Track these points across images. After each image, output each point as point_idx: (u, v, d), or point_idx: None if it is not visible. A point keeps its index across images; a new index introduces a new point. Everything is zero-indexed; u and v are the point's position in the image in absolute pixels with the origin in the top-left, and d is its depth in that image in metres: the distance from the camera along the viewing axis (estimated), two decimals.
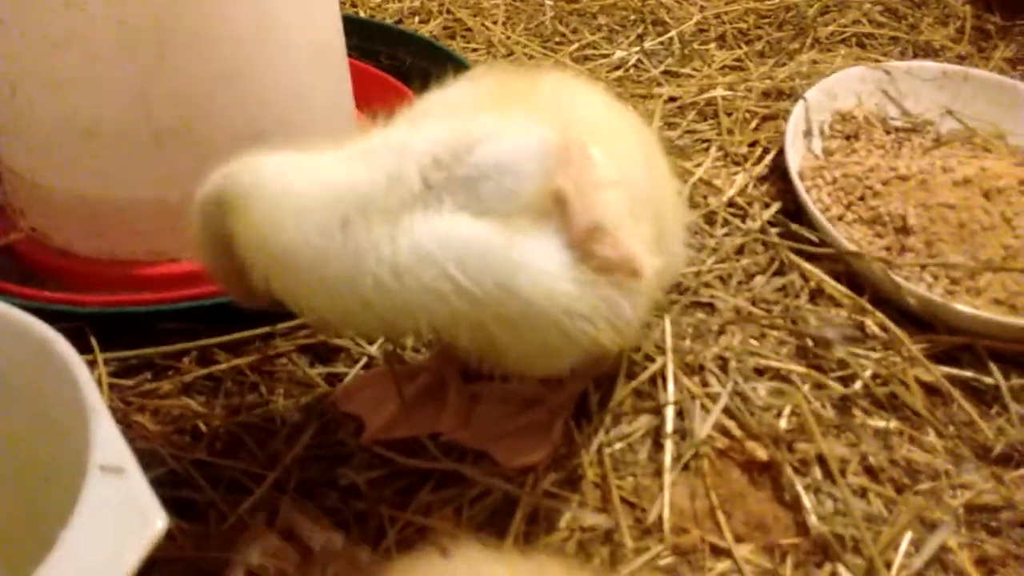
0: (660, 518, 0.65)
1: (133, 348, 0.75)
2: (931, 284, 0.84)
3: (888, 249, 0.87)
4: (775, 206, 0.93)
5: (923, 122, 1.06)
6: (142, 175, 0.78)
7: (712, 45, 1.23)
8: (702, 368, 0.76)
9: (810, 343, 0.79)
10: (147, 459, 0.65)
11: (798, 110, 1.00)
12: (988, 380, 0.77)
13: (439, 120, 0.57)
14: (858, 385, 0.75)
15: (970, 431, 0.73)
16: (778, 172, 0.98)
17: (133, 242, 0.82)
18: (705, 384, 0.75)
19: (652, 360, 0.76)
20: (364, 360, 0.76)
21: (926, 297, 0.80)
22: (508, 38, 1.22)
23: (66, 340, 0.53)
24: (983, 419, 0.74)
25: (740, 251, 0.89)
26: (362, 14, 1.27)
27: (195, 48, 0.74)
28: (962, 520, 0.66)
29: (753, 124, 1.06)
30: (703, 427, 0.71)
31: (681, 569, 0.62)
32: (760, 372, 0.77)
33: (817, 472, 0.69)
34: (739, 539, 0.64)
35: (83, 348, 0.72)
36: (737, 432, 0.71)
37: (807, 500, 0.66)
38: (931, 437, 0.72)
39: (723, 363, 0.77)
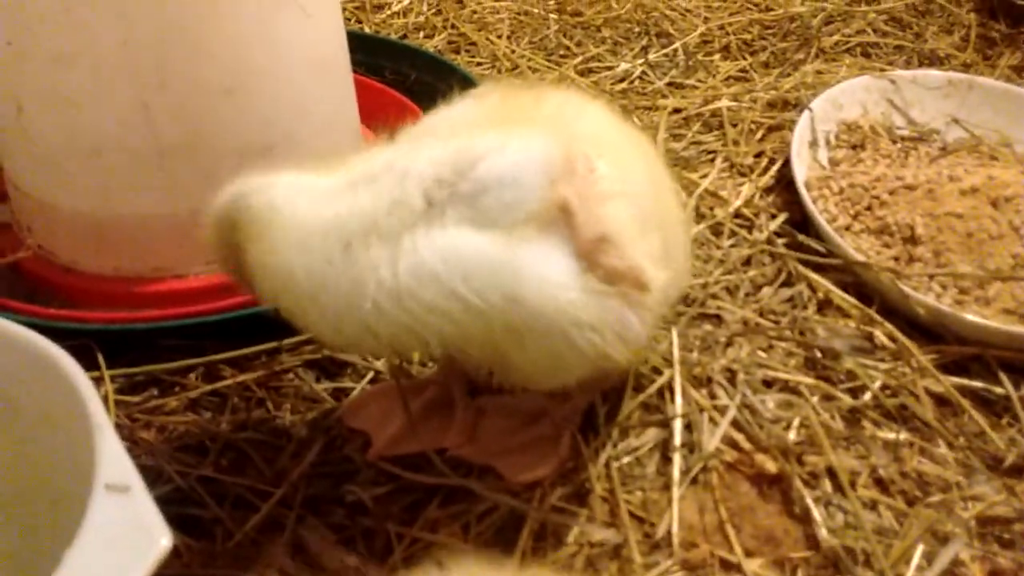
0: (669, 532, 0.65)
1: (139, 365, 0.75)
2: (940, 294, 0.83)
3: (896, 259, 0.87)
4: (782, 217, 0.93)
5: (929, 131, 1.05)
6: (147, 191, 0.78)
7: (716, 56, 1.23)
8: (710, 380, 0.76)
9: (818, 354, 0.79)
10: (153, 476, 0.66)
11: (803, 120, 1.00)
12: (998, 390, 0.76)
13: (442, 139, 0.57)
14: (867, 396, 0.75)
15: (981, 442, 0.72)
16: (784, 183, 0.97)
17: (139, 258, 0.82)
18: (713, 396, 0.74)
19: (660, 373, 0.76)
20: (371, 375, 0.76)
21: (935, 307, 0.80)
22: (513, 52, 1.22)
23: (71, 357, 0.53)
24: (994, 430, 0.73)
25: (747, 262, 0.88)
26: (367, 29, 1.28)
27: (198, 64, 0.74)
28: (974, 533, 0.66)
29: (759, 135, 1.06)
30: (711, 440, 0.71)
31: None
32: (768, 384, 0.76)
33: (827, 485, 0.68)
34: (749, 553, 0.64)
35: (89, 365, 0.72)
36: (746, 445, 0.71)
37: (817, 513, 0.66)
38: (942, 449, 0.72)
39: (731, 375, 0.76)
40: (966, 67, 1.21)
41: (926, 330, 0.81)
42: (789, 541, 0.65)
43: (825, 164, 1.01)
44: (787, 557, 0.64)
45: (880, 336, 0.80)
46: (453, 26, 1.28)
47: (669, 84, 1.16)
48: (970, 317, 0.79)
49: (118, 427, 0.70)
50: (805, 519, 0.66)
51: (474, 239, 0.53)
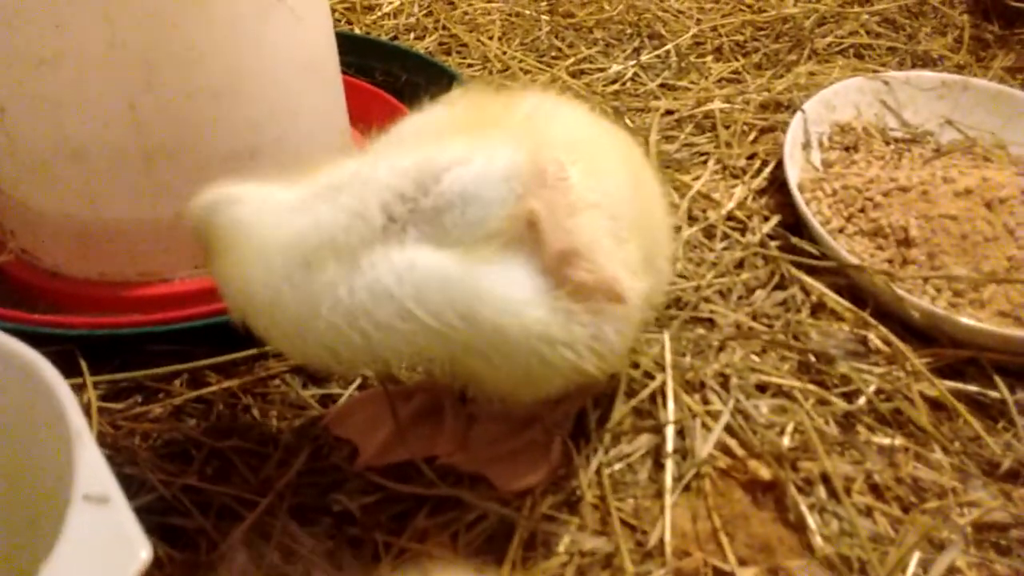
0: (661, 541, 0.64)
1: (123, 371, 0.74)
2: (934, 297, 0.82)
3: (890, 262, 0.86)
4: (775, 219, 0.92)
5: (923, 132, 1.05)
6: (132, 195, 0.77)
7: (709, 58, 1.22)
8: (703, 385, 0.75)
9: (812, 358, 0.78)
10: (136, 485, 0.65)
11: (796, 122, 0.99)
12: (994, 394, 0.76)
13: (407, 148, 0.56)
14: (862, 401, 0.74)
15: (977, 447, 0.72)
16: (777, 185, 0.97)
17: (124, 263, 0.81)
18: (706, 402, 0.74)
19: (652, 377, 0.75)
20: (358, 381, 0.74)
21: (929, 310, 0.79)
22: (504, 53, 1.21)
23: (51, 364, 0.52)
24: (989, 434, 0.72)
25: (740, 265, 0.88)
26: (357, 31, 1.27)
27: (184, 67, 0.73)
28: (971, 539, 0.65)
29: (751, 136, 1.05)
30: (704, 446, 0.70)
31: None
32: (762, 389, 0.75)
33: (821, 491, 0.67)
34: (743, 562, 0.63)
35: (72, 371, 0.71)
36: (739, 451, 0.70)
37: (812, 520, 0.65)
38: (937, 454, 0.71)
39: (724, 380, 0.75)
40: (959, 68, 1.21)
41: (921, 333, 0.80)
42: (783, 549, 0.64)
43: (818, 166, 1.00)
44: (781, 566, 0.63)
45: (874, 340, 0.79)
46: (444, 27, 1.27)
47: (661, 86, 1.15)
48: (965, 320, 0.78)
49: (101, 434, 0.69)
50: (799, 526, 0.65)
51: (431, 257, 0.51)
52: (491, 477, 0.66)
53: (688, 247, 0.89)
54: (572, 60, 1.20)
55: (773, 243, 0.89)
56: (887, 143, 1.03)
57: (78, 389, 0.70)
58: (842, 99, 1.05)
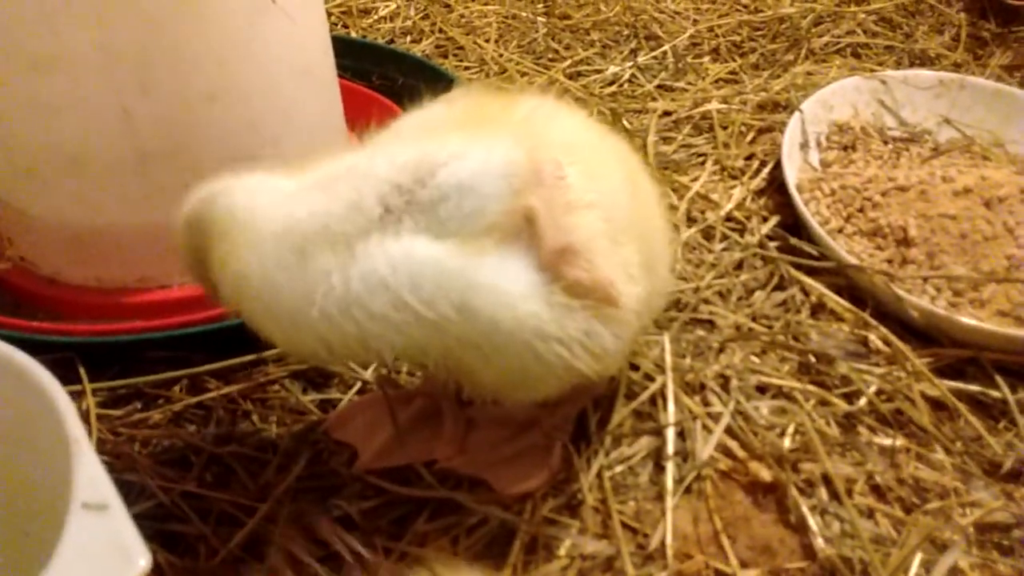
0: (663, 543, 0.63)
1: (122, 377, 0.74)
2: (934, 297, 0.82)
3: (889, 261, 0.86)
4: (773, 220, 0.92)
5: (921, 131, 1.05)
6: (128, 201, 0.77)
7: (706, 59, 1.22)
8: (703, 387, 0.75)
9: (812, 359, 0.78)
10: (136, 492, 0.65)
11: (794, 122, 0.99)
12: (995, 394, 0.75)
13: (405, 143, 0.56)
14: (862, 402, 0.74)
15: (978, 447, 0.71)
16: (775, 185, 0.96)
17: (121, 269, 0.80)
18: (706, 403, 0.73)
19: (652, 379, 0.74)
20: (358, 386, 0.74)
21: (929, 310, 0.79)
22: (501, 56, 1.21)
23: (49, 371, 0.52)
24: (991, 434, 0.72)
25: (739, 266, 0.87)
26: (354, 34, 1.27)
27: (179, 71, 0.73)
28: (973, 540, 0.65)
29: (749, 137, 1.05)
30: (705, 448, 0.70)
31: None
32: (762, 390, 0.75)
33: (823, 493, 0.67)
34: (744, 564, 0.63)
35: (71, 378, 0.71)
36: (740, 453, 0.70)
37: (813, 522, 0.65)
38: (939, 454, 0.71)
39: (724, 381, 0.75)
40: (957, 67, 1.21)
41: (921, 333, 0.80)
42: (785, 551, 0.64)
43: (816, 166, 1.00)
44: (783, 568, 0.62)
45: (874, 340, 0.79)
46: (441, 30, 1.27)
47: (659, 87, 1.15)
48: (965, 319, 0.78)
49: (100, 442, 0.69)
50: (801, 528, 0.65)
51: (427, 247, 0.51)
52: (491, 481, 0.66)
53: (687, 249, 0.89)
54: (569, 62, 1.20)
55: (772, 244, 0.89)
56: (885, 142, 1.03)
57: (77, 396, 0.70)
58: (840, 99, 1.05)
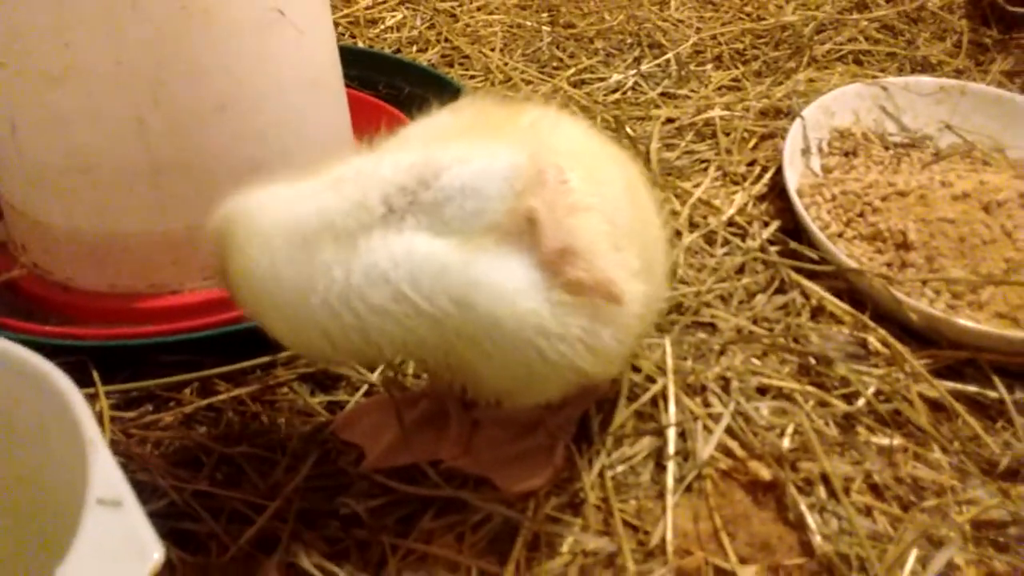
0: (663, 541, 0.65)
1: (134, 380, 0.76)
2: (933, 299, 0.83)
3: (889, 265, 0.87)
4: (775, 224, 0.93)
5: (922, 137, 1.06)
6: (141, 209, 0.79)
7: (709, 66, 1.24)
8: (704, 388, 0.76)
9: (812, 361, 0.79)
10: (148, 491, 0.66)
11: (795, 128, 1.01)
12: (992, 394, 0.76)
13: (411, 148, 0.57)
14: (861, 402, 0.75)
15: (975, 446, 0.72)
16: (777, 190, 0.98)
17: (134, 275, 0.82)
18: (707, 404, 0.75)
19: (653, 381, 0.76)
20: (365, 388, 0.76)
21: (928, 312, 0.80)
22: (506, 64, 1.23)
23: (65, 374, 0.53)
24: (988, 434, 0.73)
25: (740, 270, 0.89)
26: (360, 44, 1.29)
27: (192, 82, 0.75)
28: (969, 537, 0.66)
29: (751, 143, 1.06)
30: (706, 448, 0.71)
31: None
32: (762, 391, 0.76)
33: (821, 491, 0.68)
34: (743, 561, 0.64)
35: (85, 381, 0.73)
36: (740, 452, 0.71)
37: (811, 520, 0.66)
38: (936, 453, 0.72)
39: (725, 383, 0.76)
40: (958, 73, 1.22)
41: (919, 335, 0.81)
42: (783, 548, 0.65)
43: (818, 171, 1.01)
44: (781, 564, 0.64)
45: (873, 342, 0.80)
46: (446, 40, 1.29)
47: (662, 94, 1.17)
48: (963, 322, 0.79)
49: (113, 443, 0.71)
50: (799, 526, 0.66)
51: (429, 243, 0.53)
52: (495, 480, 0.67)
53: (689, 253, 0.90)
54: (573, 70, 1.21)
55: (773, 248, 0.90)
56: (886, 148, 1.04)
57: (91, 399, 0.72)
58: (841, 105, 1.06)
